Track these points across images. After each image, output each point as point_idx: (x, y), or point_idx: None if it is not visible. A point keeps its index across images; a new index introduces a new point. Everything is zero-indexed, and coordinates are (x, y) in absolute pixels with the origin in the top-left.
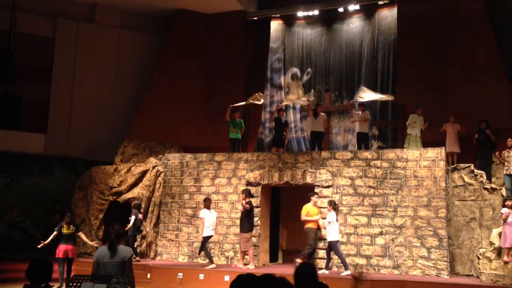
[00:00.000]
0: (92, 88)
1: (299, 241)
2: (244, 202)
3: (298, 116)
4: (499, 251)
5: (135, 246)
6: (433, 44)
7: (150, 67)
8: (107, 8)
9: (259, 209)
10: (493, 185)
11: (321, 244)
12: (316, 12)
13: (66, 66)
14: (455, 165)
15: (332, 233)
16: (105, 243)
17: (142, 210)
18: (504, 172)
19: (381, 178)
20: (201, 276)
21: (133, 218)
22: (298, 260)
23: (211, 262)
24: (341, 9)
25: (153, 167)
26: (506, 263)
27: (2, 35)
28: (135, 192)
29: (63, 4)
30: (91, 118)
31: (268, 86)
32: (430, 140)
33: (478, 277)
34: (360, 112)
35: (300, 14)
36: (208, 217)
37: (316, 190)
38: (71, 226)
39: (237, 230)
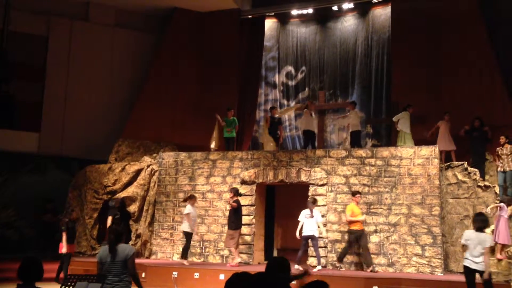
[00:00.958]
0: (86, 87)
1: (294, 240)
2: (231, 201)
3: (293, 114)
4: (492, 249)
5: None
6: (426, 42)
7: (144, 66)
8: (101, 7)
9: (254, 207)
10: (486, 183)
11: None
12: (310, 11)
13: (60, 65)
14: (449, 163)
15: (307, 228)
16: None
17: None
18: (498, 169)
19: (375, 176)
20: (196, 275)
21: (109, 218)
22: (340, 266)
23: (186, 258)
24: (335, 8)
25: (148, 166)
26: (499, 260)
27: None
28: (130, 191)
29: (56, 2)
30: (85, 117)
31: (262, 85)
32: (422, 138)
33: None
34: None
35: (294, 12)
36: (193, 213)
37: (311, 188)
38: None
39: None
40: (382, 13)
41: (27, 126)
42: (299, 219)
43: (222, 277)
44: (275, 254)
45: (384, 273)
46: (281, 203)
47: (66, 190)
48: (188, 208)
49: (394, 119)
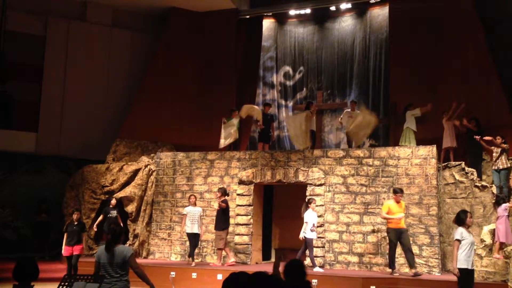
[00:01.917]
0: (84, 87)
1: (291, 240)
2: (220, 201)
3: (291, 114)
4: (490, 248)
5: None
6: (424, 42)
7: (142, 66)
8: (99, 6)
9: (252, 207)
10: (483, 183)
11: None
12: (308, 11)
13: (57, 65)
14: (446, 163)
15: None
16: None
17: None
18: (493, 167)
19: (373, 176)
20: (194, 275)
21: (100, 216)
22: (394, 271)
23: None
24: (333, 8)
25: (146, 166)
26: (496, 259)
27: None
28: (127, 191)
29: (54, 2)
30: (83, 117)
31: (260, 85)
32: (424, 137)
33: None
34: (350, 110)
35: (292, 12)
36: (191, 213)
37: (309, 188)
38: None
39: (230, 228)
40: (380, 13)
41: (24, 126)
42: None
43: (220, 277)
44: (272, 254)
45: (381, 273)
46: (279, 203)
47: (63, 190)
48: (185, 209)
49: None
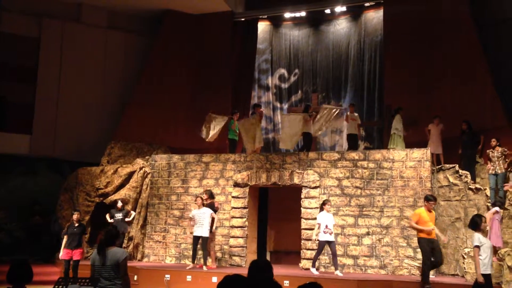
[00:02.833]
0: (78, 89)
1: (286, 242)
2: (205, 202)
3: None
4: None
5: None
6: (418, 45)
7: (137, 68)
8: (93, 8)
9: (247, 210)
10: (477, 185)
11: (308, 244)
12: (303, 14)
13: (51, 67)
14: (440, 166)
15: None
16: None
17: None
18: (490, 172)
19: (367, 178)
20: (189, 278)
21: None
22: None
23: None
24: (328, 11)
25: (140, 168)
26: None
27: None
28: (122, 193)
29: (48, 4)
30: (77, 119)
31: (255, 87)
32: (415, 141)
33: (463, 276)
34: (349, 113)
35: (287, 15)
36: (195, 216)
37: (304, 191)
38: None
39: (225, 231)
40: (375, 17)
41: (18, 128)
42: None
43: (214, 279)
44: (267, 256)
45: (376, 276)
46: (274, 205)
47: (57, 192)
48: (191, 213)
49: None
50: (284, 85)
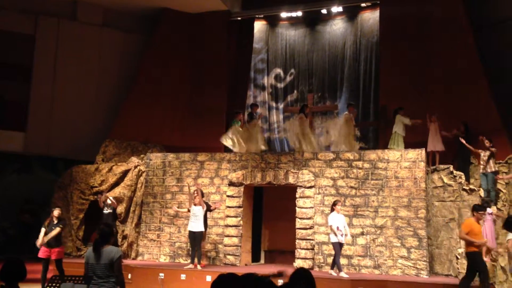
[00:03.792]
0: (74, 87)
1: (281, 242)
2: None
3: (281, 116)
4: None
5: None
6: (414, 46)
7: (132, 66)
8: (89, 6)
9: (242, 209)
10: (471, 186)
11: (303, 244)
12: (299, 14)
13: (47, 64)
14: (435, 166)
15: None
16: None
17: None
18: (480, 171)
19: (362, 178)
20: (183, 276)
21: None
22: None
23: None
24: (324, 11)
25: (135, 167)
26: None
27: None
28: (117, 191)
29: (43, 1)
30: (72, 117)
31: (251, 87)
32: (412, 141)
33: (456, 276)
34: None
35: (283, 15)
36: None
37: (299, 190)
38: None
39: (220, 230)
40: (371, 17)
41: (13, 125)
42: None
43: (209, 278)
44: (262, 256)
45: (370, 275)
46: (269, 205)
47: (52, 190)
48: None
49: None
50: (280, 85)
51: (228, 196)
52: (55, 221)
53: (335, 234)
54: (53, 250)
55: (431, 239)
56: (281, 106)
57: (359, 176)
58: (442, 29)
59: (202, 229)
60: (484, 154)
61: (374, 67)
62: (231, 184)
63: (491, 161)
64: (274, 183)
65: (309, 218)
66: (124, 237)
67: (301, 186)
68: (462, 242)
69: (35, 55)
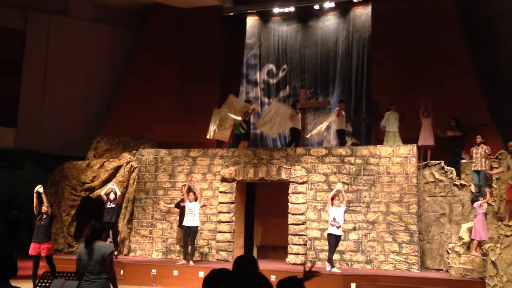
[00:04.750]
0: (65, 82)
1: (273, 237)
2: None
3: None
4: (468, 246)
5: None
6: (406, 42)
7: (124, 62)
8: (80, 1)
9: (234, 205)
10: (462, 182)
11: (295, 239)
12: (291, 9)
13: (37, 60)
14: (426, 162)
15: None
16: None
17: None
18: (472, 168)
19: (354, 174)
20: (175, 272)
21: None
22: None
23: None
24: (316, 7)
25: (127, 163)
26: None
27: None
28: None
29: None
30: (63, 112)
31: (244, 82)
32: (404, 136)
33: (447, 271)
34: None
35: (276, 10)
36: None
37: (291, 186)
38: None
39: (212, 226)
40: (363, 13)
41: (2, 121)
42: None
43: (201, 274)
44: (254, 251)
45: (362, 270)
46: (261, 200)
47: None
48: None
49: (383, 123)
50: (272, 81)
51: (220, 192)
52: (44, 216)
53: (330, 225)
54: (43, 246)
55: (422, 234)
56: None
57: (351, 171)
58: (433, 25)
59: (198, 224)
60: (476, 151)
61: (366, 62)
62: (224, 180)
63: (483, 160)
64: (267, 179)
65: (302, 214)
66: (116, 233)
67: (293, 182)
68: (453, 237)
69: (25, 50)
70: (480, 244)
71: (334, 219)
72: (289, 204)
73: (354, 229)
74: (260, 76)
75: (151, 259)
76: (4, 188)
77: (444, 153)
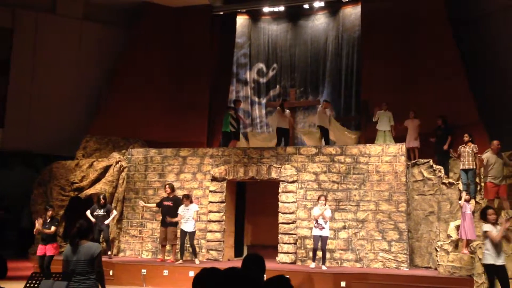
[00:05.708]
0: (53, 81)
1: (264, 236)
2: (171, 196)
3: (264, 111)
4: (456, 244)
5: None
6: (395, 41)
7: (113, 60)
8: None
9: (224, 204)
10: (450, 180)
11: (285, 238)
12: (281, 8)
13: (25, 58)
14: (415, 160)
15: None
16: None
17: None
18: (460, 167)
19: (344, 173)
20: (165, 272)
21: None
22: None
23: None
24: (306, 6)
25: (117, 162)
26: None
27: None
28: (98, 187)
29: None
30: (52, 112)
31: (233, 81)
32: (394, 136)
33: (436, 269)
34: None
35: (266, 9)
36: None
37: (281, 185)
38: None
39: (202, 225)
40: (352, 12)
41: None
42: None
43: (191, 274)
44: (245, 250)
45: (352, 268)
46: (252, 200)
47: (30, 187)
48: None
49: (374, 119)
50: (263, 80)
51: (210, 191)
52: (48, 220)
53: (314, 227)
54: (48, 247)
55: (411, 232)
56: (263, 101)
57: (341, 170)
58: (423, 24)
59: (191, 229)
60: (464, 149)
61: (355, 62)
62: (214, 179)
63: (471, 159)
64: (257, 178)
65: (292, 213)
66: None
67: (283, 181)
68: (442, 235)
69: (13, 48)
70: (468, 242)
71: (317, 221)
72: (279, 203)
73: (344, 227)
74: (250, 75)
75: (140, 259)
76: None
77: (433, 153)
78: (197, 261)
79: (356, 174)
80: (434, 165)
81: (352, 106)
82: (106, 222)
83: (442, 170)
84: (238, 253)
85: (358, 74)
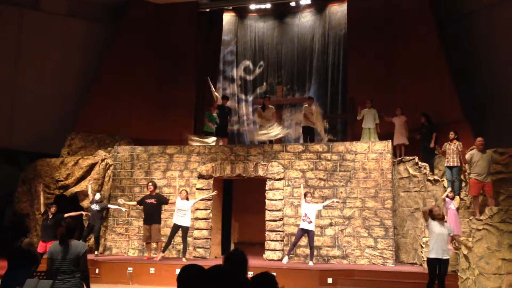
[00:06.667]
0: (37, 78)
1: (251, 234)
2: (154, 194)
3: (250, 108)
4: None
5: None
6: (381, 39)
7: (98, 57)
8: None
9: (211, 201)
10: (435, 177)
11: (272, 235)
12: (268, 6)
13: (8, 54)
14: (401, 158)
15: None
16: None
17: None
18: (445, 164)
19: (331, 170)
20: (152, 270)
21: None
22: None
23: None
24: (292, 3)
25: (102, 160)
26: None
27: None
28: (83, 185)
29: None
30: (36, 108)
31: (220, 79)
32: (381, 132)
33: (421, 265)
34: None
35: (252, 7)
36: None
37: (268, 182)
38: None
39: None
40: (339, 10)
41: None
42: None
43: (178, 271)
44: (232, 248)
45: (338, 265)
46: (239, 197)
47: (14, 184)
48: (177, 203)
49: (359, 117)
50: (249, 77)
51: (197, 188)
52: (50, 216)
53: (301, 220)
54: (48, 244)
55: (397, 229)
56: (250, 98)
57: (328, 167)
58: (408, 23)
59: (188, 224)
60: (449, 147)
61: (342, 59)
62: (201, 176)
63: (455, 156)
64: (244, 175)
65: (279, 210)
66: (91, 231)
67: (270, 178)
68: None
69: None
70: (452, 238)
71: (305, 214)
72: (266, 200)
73: (331, 224)
74: (237, 72)
75: (127, 257)
76: None
77: (418, 150)
78: (184, 259)
79: (342, 172)
80: (420, 162)
81: (338, 104)
82: (110, 205)
83: (427, 167)
84: (225, 250)
85: (345, 71)
